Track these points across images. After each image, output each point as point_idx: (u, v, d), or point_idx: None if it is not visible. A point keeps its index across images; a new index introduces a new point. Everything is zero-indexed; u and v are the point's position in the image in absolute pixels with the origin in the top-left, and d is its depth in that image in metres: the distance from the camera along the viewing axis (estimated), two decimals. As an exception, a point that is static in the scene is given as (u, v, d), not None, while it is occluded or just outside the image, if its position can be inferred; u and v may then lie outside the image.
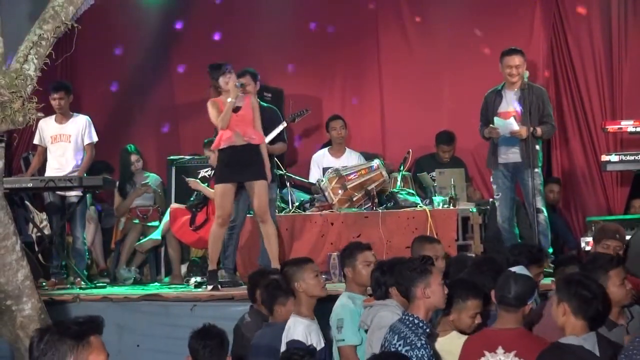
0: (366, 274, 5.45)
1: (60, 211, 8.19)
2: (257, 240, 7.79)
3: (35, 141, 8.36)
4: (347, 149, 9.07)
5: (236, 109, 7.23)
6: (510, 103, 7.58)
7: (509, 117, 7.49)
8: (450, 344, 4.73)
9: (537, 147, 7.61)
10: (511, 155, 7.60)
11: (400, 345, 4.32)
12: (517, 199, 7.85)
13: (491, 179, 7.88)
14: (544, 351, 4.01)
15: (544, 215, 7.56)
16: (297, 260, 5.59)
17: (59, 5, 5.05)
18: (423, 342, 4.32)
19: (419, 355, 4.26)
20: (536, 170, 7.54)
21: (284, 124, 7.93)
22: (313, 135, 9.88)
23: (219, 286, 7.28)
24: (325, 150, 9.08)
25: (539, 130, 7.51)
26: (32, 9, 7.67)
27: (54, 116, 8.24)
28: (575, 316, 4.17)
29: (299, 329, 5.12)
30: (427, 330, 4.44)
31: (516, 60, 7.59)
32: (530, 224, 7.62)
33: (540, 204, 7.55)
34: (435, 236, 7.10)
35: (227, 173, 7.27)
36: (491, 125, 7.58)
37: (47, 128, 8.24)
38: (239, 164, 7.20)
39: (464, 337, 4.70)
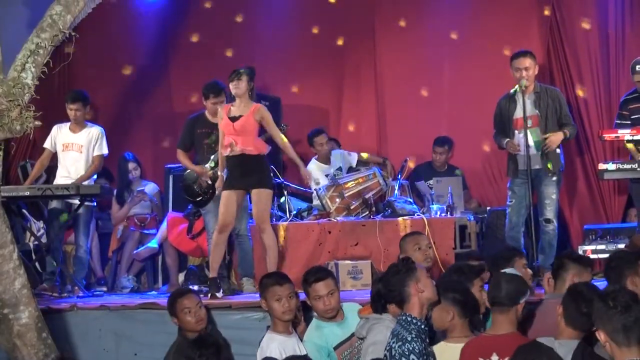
0: (320, 306, 5.37)
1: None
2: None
3: (46, 144, 8.32)
4: (331, 152, 9.08)
5: (235, 118, 7.24)
6: (526, 108, 7.35)
7: (523, 123, 7.35)
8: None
9: (558, 150, 7.50)
10: (531, 162, 7.36)
11: (393, 342, 4.44)
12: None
13: (508, 185, 7.71)
14: (521, 345, 4.08)
15: (553, 225, 7.45)
16: (269, 277, 5.60)
17: (56, 14, 5.06)
18: (413, 335, 4.42)
19: (410, 348, 4.37)
20: (554, 178, 7.45)
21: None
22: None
23: (217, 294, 7.25)
24: (314, 160, 9.08)
25: (566, 132, 7.41)
26: (30, 18, 7.67)
27: (68, 124, 8.24)
28: (566, 323, 4.22)
29: (273, 346, 5.09)
30: (423, 326, 4.51)
31: (526, 62, 7.43)
32: (528, 233, 7.58)
33: (550, 214, 7.44)
34: (433, 244, 7.11)
35: (228, 180, 7.30)
36: (509, 140, 7.47)
37: (60, 135, 8.23)
38: (240, 172, 7.23)
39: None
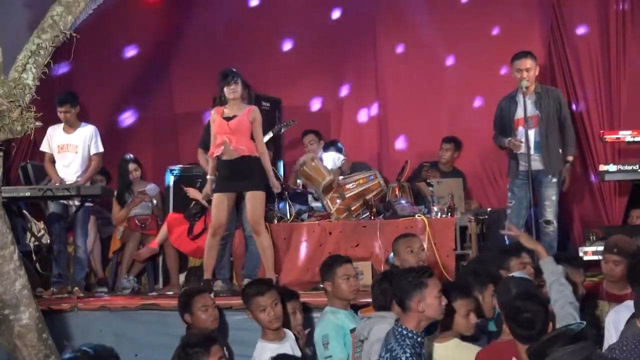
0: (346, 287, 5.47)
1: (63, 219, 8.16)
2: (244, 251, 7.85)
3: (44, 148, 8.30)
4: (322, 154, 9.08)
5: (229, 118, 7.19)
6: (527, 108, 7.32)
7: (523, 124, 7.36)
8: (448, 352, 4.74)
9: (560, 150, 7.51)
10: (532, 163, 7.33)
11: (387, 358, 4.27)
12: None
13: (508, 186, 7.70)
14: None
15: (553, 227, 7.42)
16: (250, 287, 5.60)
17: (57, 15, 5.05)
18: (408, 354, 4.22)
19: None
20: (554, 180, 7.44)
21: (270, 135, 7.93)
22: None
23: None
24: None
25: (570, 157, 7.48)
26: (30, 19, 7.68)
27: (62, 125, 8.23)
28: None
29: (265, 356, 5.08)
30: (419, 339, 4.32)
31: (527, 63, 7.41)
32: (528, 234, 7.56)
33: (550, 215, 7.41)
34: (433, 246, 7.11)
35: (220, 183, 7.27)
36: (511, 138, 7.46)
37: (55, 136, 8.21)
38: (232, 175, 7.19)
39: (464, 345, 4.70)
